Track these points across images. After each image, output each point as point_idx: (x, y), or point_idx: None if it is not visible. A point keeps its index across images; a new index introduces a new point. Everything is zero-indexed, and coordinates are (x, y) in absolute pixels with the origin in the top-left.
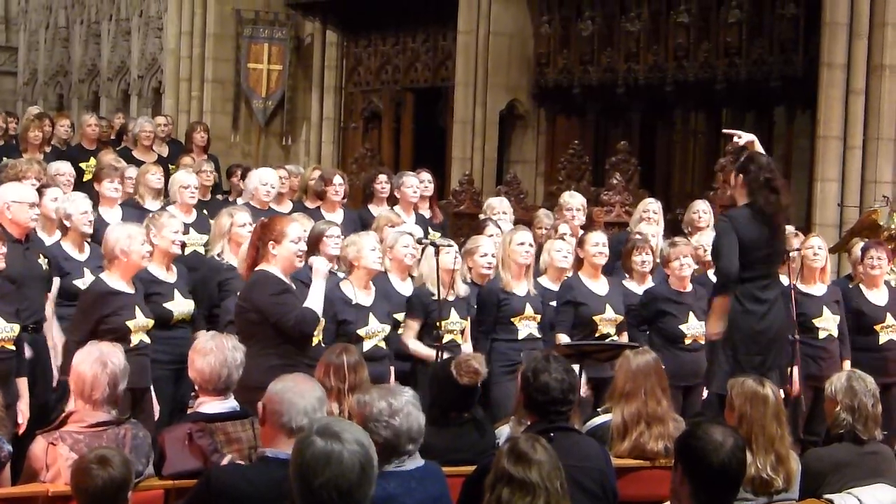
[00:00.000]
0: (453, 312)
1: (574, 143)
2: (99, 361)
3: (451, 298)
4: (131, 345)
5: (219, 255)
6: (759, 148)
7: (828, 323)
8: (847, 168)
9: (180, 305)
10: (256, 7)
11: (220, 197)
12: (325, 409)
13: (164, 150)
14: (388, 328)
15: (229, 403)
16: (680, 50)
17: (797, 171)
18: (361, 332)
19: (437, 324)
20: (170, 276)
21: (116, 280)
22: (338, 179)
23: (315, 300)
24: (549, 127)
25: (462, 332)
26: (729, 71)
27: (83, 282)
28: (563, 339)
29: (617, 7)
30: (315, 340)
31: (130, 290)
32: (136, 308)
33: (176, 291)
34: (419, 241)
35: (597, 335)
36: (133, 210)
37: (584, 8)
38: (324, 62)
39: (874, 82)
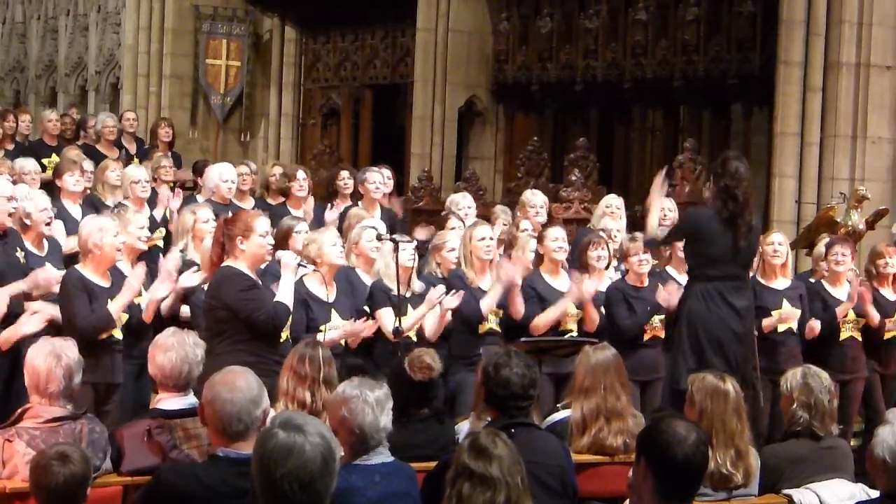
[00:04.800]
0: (409, 309)
1: (533, 139)
2: (53, 355)
3: (407, 295)
4: (101, 339)
5: (182, 251)
6: None
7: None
8: (804, 165)
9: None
10: (215, 3)
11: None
12: (262, 408)
13: (133, 147)
14: (349, 324)
15: (189, 400)
16: (638, 47)
17: (755, 167)
18: (324, 327)
19: (397, 320)
20: None
21: (90, 273)
22: (301, 174)
23: (285, 294)
24: (508, 124)
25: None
26: (686, 68)
27: None
28: (539, 318)
29: (576, 4)
30: (283, 336)
31: (105, 284)
32: (110, 302)
33: (142, 287)
34: (379, 237)
35: (559, 330)
36: (91, 206)
37: (542, 5)
38: (282, 58)
39: (831, 80)
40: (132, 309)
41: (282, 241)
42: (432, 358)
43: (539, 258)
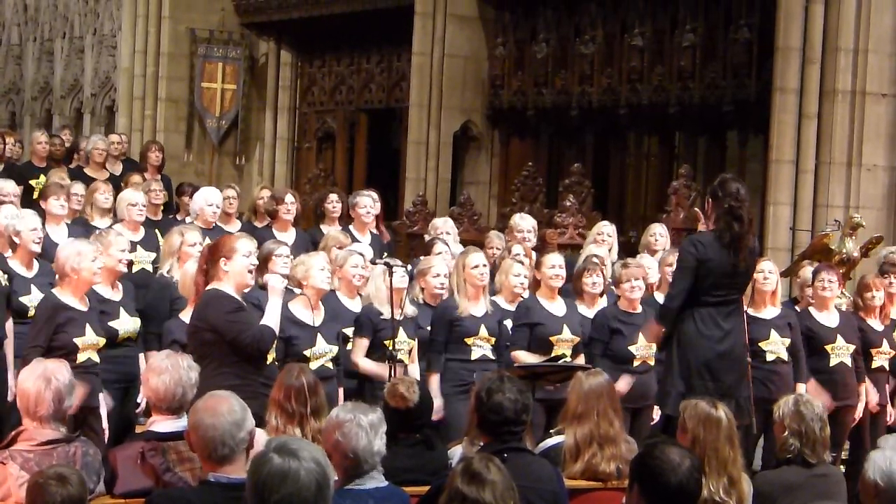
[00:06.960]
0: (401, 332)
1: (528, 164)
2: (42, 378)
3: (398, 318)
4: (78, 362)
5: (168, 272)
6: None
7: (775, 346)
8: (799, 192)
9: (126, 324)
10: (211, 26)
11: (171, 216)
12: (246, 430)
13: (118, 169)
14: (335, 349)
15: (182, 422)
16: (634, 73)
17: (750, 194)
18: (308, 352)
19: (390, 343)
20: (115, 295)
21: (68, 297)
22: (289, 198)
23: (272, 317)
24: (503, 149)
25: (410, 351)
26: (682, 95)
27: (29, 298)
28: (521, 354)
29: (571, 30)
30: (269, 358)
31: (82, 307)
32: (87, 325)
33: (122, 310)
34: (372, 262)
35: (552, 355)
36: (80, 228)
37: (538, 30)
38: (278, 82)
39: (826, 107)
40: (110, 332)
41: (263, 264)
42: (407, 388)
43: (536, 283)
